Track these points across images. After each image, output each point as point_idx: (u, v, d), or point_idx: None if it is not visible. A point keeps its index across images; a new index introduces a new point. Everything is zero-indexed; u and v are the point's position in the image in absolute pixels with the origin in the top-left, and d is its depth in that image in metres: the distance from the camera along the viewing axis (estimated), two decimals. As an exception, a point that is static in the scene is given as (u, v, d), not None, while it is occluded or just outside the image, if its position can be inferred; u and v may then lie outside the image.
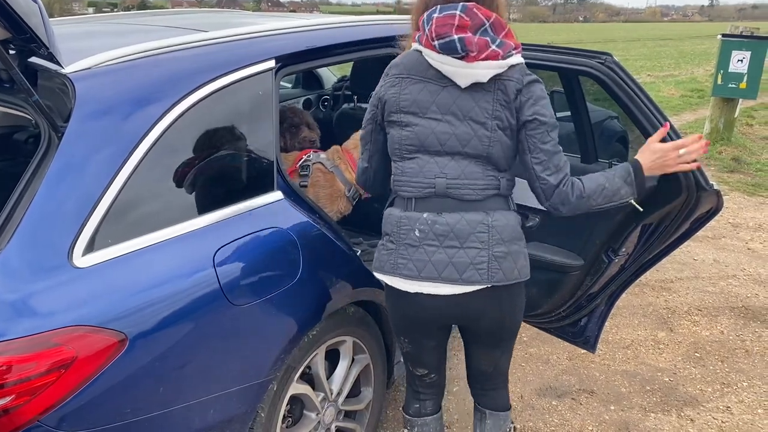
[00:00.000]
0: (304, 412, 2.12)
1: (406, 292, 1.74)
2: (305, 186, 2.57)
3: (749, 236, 5.00)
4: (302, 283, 1.88)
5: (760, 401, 2.92)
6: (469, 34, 1.57)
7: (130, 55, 1.72)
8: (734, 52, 7.12)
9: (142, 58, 1.74)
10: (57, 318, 1.40)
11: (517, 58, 1.63)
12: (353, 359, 2.27)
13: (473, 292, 1.69)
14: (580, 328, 2.55)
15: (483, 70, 1.60)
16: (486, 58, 1.58)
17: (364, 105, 3.18)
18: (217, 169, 1.83)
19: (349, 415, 2.36)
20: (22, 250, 1.42)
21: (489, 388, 2.01)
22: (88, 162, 1.54)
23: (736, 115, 7.74)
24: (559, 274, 2.40)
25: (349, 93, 3.33)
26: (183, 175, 1.72)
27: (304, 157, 2.64)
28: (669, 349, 3.36)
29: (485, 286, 1.68)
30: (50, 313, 1.40)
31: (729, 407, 2.87)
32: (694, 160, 1.80)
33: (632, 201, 1.78)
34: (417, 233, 1.69)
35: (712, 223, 5.17)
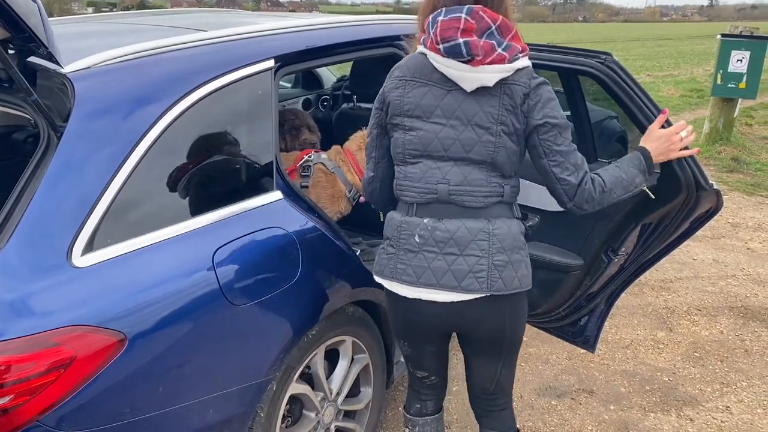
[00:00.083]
0: (304, 411, 2.12)
1: (405, 297, 1.72)
2: (306, 186, 2.56)
3: (748, 236, 5.01)
4: (301, 283, 1.88)
5: (760, 401, 2.92)
6: (475, 38, 1.55)
7: (129, 54, 1.72)
8: (734, 52, 7.12)
9: (141, 57, 1.73)
10: (56, 318, 1.39)
11: (524, 62, 1.60)
12: (353, 359, 2.27)
13: (472, 300, 1.67)
14: (580, 327, 2.55)
15: (489, 74, 1.57)
16: (492, 62, 1.55)
17: (363, 105, 3.19)
18: (216, 169, 1.83)
19: (348, 414, 2.36)
20: (21, 250, 1.42)
21: (492, 409, 1.94)
22: (88, 161, 1.54)
23: (735, 115, 7.74)
24: (559, 274, 2.40)
25: (349, 93, 3.33)
26: (182, 174, 1.72)
27: (305, 157, 2.64)
28: (668, 348, 3.36)
29: (484, 295, 1.65)
30: (49, 313, 1.40)
31: (728, 407, 2.87)
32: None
33: (645, 188, 1.79)
34: (417, 239, 1.67)
35: (711, 222, 5.18)
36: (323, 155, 2.66)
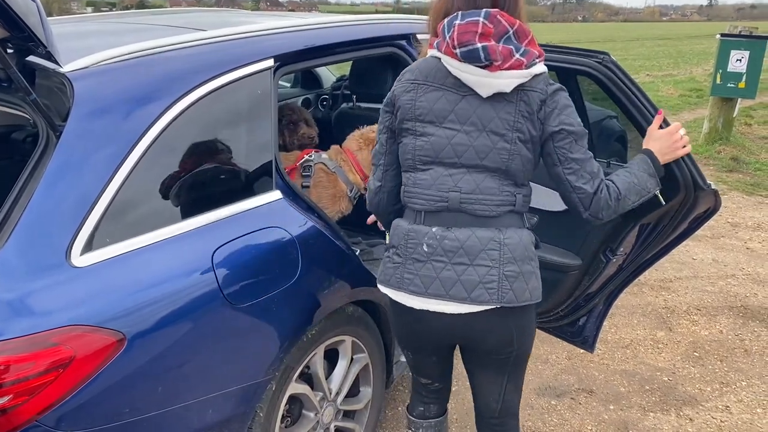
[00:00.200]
0: (303, 411, 2.12)
1: (412, 308, 1.67)
2: (307, 186, 2.57)
3: (748, 236, 5.01)
4: (301, 283, 1.88)
5: (759, 400, 2.92)
6: (493, 43, 1.51)
7: (128, 54, 1.71)
8: (733, 52, 7.12)
9: (140, 57, 1.73)
10: (55, 317, 1.39)
11: (541, 67, 1.56)
12: (352, 359, 2.27)
13: (481, 312, 1.61)
14: (579, 327, 2.55)
15: (506, 80, 1.53)
16: (510, 68, 1.51)
17: (363, 104, 3.18)
18: (215, 169, 1.82)
19: (348, 414, 2.35)
20: (20, 250, 1.42)
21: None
22: (87, 161, 1.54)
23: (734, 115, 7.74)
24: (557, 274, 2.39)
25: (348, 92, 3.33)
26: (182, 174, 1.72)
27: (306, 156, 2.64)
28: (668, 348, 3.36)
29: (494, 307, 1.60)
30: (48, 313, 1.40)
31: (728, 406, 2.87)
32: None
33: (658, 193, 1.78)
34: (425, 248, 1.62)
35: (711, 222, 5.17)
36: (323, 155, 2.67)
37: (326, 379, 2.16)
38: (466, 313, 1.62)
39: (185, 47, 1.83)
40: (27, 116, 1.62)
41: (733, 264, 4.45)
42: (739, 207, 5.69)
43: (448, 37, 1.54)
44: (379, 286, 1.75)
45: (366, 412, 2.38)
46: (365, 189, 2.73)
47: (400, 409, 2.80)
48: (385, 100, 1.71)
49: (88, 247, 1.49)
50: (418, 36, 2.59)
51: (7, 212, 1.46)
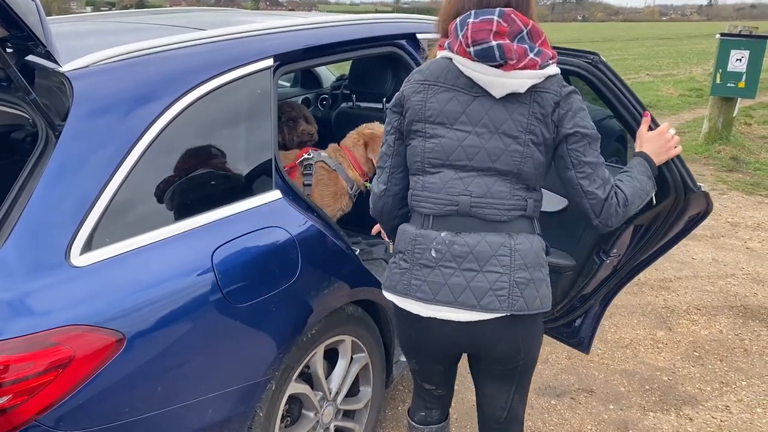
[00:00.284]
0: (303, 411, 2.12)
1: (419, 315, 1.63)
2: (309, 185, 2.58)
3: (748, 235, 5.01)
4: (300, 283, 1.88)
5: (759, 400, 2.92)
6: (507, 41, 1.47)
7: (128, 53, 1.71)
8: (733, 52, 7.12)
9: (140, 56, 1.73)
10: (55, 317, 1.39)
11: (554, 68, 1.53)
12: (352, 358, 2.27)
13: (490, 319, 1.57)
14: (575, 329, 2.55)
15: (520, 80, 1.49)
16: (524, 67, 1.48)
17: (362, 104, 3.18)
18: (215, 168, 1.82)
19: (348, 414, 2.35)
20: (20, 249, 1.42)
21: None
22: (86, 160, 1.54)
23: (734, 115, 7.75)
24: (552, 275, 2.39)
25: (348, 92, 3.33)
26: (181, 173, 1.72)
27: (305, 155, 2.65)
28: (668, 348, 3.36)
29: (504, 315, 1.56)
30: (48, 312, 1.39)
31: (728, 406, 2.87)
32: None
33: (653, 195, 1.77)
34: (433, 253, 1.58)
35: (710, 222, 5.17)
36: (323, 153, 2.68)
37: (326, 378, 2.15)
38: (474, 321, 1.57)
39: (185, 47, 1.83)
40: (26, 116, 1.61)
41: (733, 263, 4.45)
42: (739, 207, 5.69)
43: (461, 36, 1.50)
44: (384, 292, 1.70)
45: (366, 411, 2.38)
46: (364, 186, 2.75)
47: (399, 408, 2.80)
48: (392, 101, 1.66)
49: (88, 246, 1.49)
50: (425, 37, 2.59)
51: (6, 212, 1.45)
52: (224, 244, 1.72)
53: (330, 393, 2.17)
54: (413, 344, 1.76)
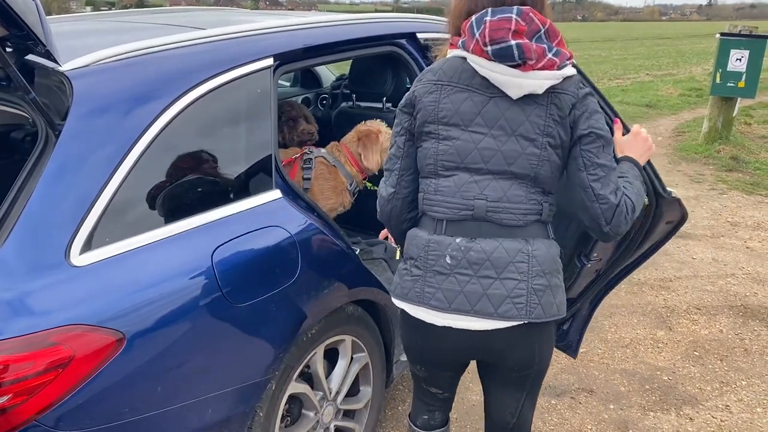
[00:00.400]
0: (303, 411, 2.12)
1: (433, 324, 1.57)
2: (309, 178, 2.59)
3: (748, 235, 5.01)
4: (300, 282, 1.88)
5: (759, 400, 2.92)
6: (527, 41, 1.43)
7: (127, 52, 1.71)
8: (733, 51, 7.13)
9: (139, 55, 1.73)
10: (54, 317, 1.39)
11: (571, 69, 1.49)
12: (352, 358, 2.26)
13: (507, 327, 1.53)
14: (563, 332, 2.54)
15: (539, 81, 1.44)
16: (542, 68, 1.43)
17: (362, 103, 3.18)
18: (215, 168, 1.82)
19: (348, 414, 2.35)
20: (19, 249, 1.42)
21: None
22: (86, 160, 1.53)
23: (734, 114, 7.75)
24: None
25: (348, 92, 3.33)
26: (181, 173, 1.72)
27: (306, 150, 2.68)
28: (668, 348, 3.36)
29: (521, 323, 1.52)
30: (48, 312, 1.39)
31: (728, 406, 2.87)
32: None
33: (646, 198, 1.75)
34: (448, 260, 1.52)
35: (710, 222, 5.18)
36: (323, 150, 2.71)
37: (326, 378, 2.15)
38: (491, 330, 1.54)
39: (185, 46, 1.83)
40: (26, 115, 1.61)
41: (733, 263, 4.45)
42: (739, 206, 5.69)
43: (477, 34, 1.45)
44: (395, 300, 1.65)
45: (366, 411, 2.38)
46: (363, 184, 2.76)
47: (400, 408, 2.80)
48: (403, 101, 1.61)
49: (88, 246, 1.49)
50: (425, 36, 2.58)
51: (6, 211, 1.45)
52: (224, 243, 1.72)
53: (330, 393, 2.17)
54: (425, 353, 1.69)
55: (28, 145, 2.44)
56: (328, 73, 4.22)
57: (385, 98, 3.03)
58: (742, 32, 7.23)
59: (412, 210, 1.66)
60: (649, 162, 1.83)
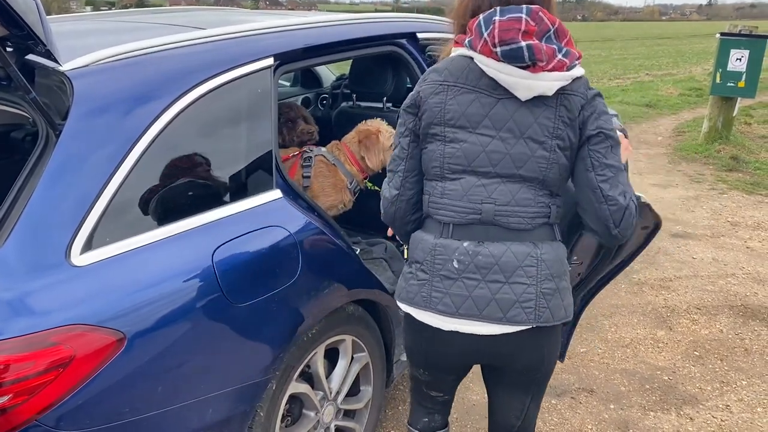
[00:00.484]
0: (304, 411, 2.12)
1: (439, 329, 1.56)
2: (308, 176, 2.59)
3: (748, 235, 5.01)
4: (301, 282, 1.88)
5: (759, 400, 2.92)
6: (537, 42, 1.40)
7: (128, 52, 1.71)
8: (733, 51, 7.13)
9: (140, 55, 1.73)
10: (55, 317, 1.39)
11: (580, 69, 1.46)
12: (352, 358, 2.26)
13: (515, 331, 1.52)
14: None
15: (549, 82, 1.41)
16: (552, 69, 1.40)
17: (363, 103, 3.18)
18: (215, 168, 1.82)
19: (348, 414, 2.35)
20: (20, 249, 1.42)
21: None
22: (86, 160, 1.53)
23: (734, 114, 7.75)
24: None
25: (348, 91, 3.33)
26: (181, 173, 1.72)
27: (306, 149, 2.68)
28: (668, 347, 3.36)
29: (529, 327, 1.51)
30: (48, 312, 1.39)
31: (728, 406, 2.87)
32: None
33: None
34: (456, 264, 1.50)
35: (711, 221, 5.17)
36: (323, 149, 2.71)
37: (327, 378, 2.15)
38: (499, 334, 1.52)
39: (185, 46, 1.83)
40: (26, 115, 1.61)
41: (733, 263, 4.45)
42: (739, 206, 5.69)
43: (486, 34, 1.41)
44: (400, 304, 1.63)
45: (366, 411, 2.38)
46: (363, 183, 2.76)
47: (400, 408, 2.80)
48: (407, 101, 1.57)
49: (88, 246, 1.49)
50: (425, 36, 2.58)
51: (6, 211, 1.45)
52: (224, 243, 1.72)
53: (330, 392, 2.17)
54: (430, 357, 1.67)
55: (29, 145, 2.44)
56: (329, 73, 4.22)
57: (385, 98, 3.04)
58: (742, 32, 7.23)
59: (416, 211, 1.63)
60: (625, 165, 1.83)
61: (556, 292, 1.51)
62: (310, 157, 2.66)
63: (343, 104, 3.34)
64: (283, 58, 2.01)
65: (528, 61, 1.39)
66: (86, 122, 1.56)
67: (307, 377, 2.10)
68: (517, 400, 1.71)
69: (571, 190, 1.58)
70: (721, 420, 2.77)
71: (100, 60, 1.66)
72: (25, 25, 1.40)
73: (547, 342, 1.59)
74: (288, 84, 4.24)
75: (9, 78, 1.54)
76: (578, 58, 1.45)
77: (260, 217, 1.84)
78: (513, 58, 1.40)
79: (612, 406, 2.85)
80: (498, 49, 1.40)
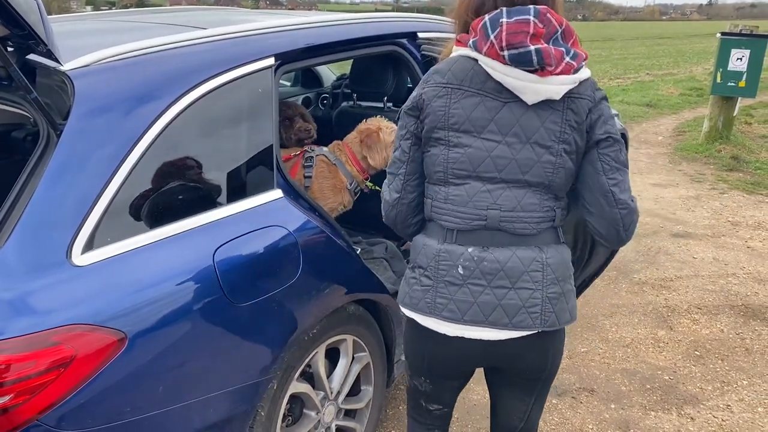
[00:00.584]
0: (304, 410, 2.12)
1: (445, 335, 1.54)
2: (309, 177, 2.59)
3: (749, 234, 5.00)
4: (302, 282, 1.88)
5: (760, 399, 2.91)
6: (546, 45, 1.37)
7: (129, 52, 1.71)
8: (733, 51, 7.13)
9: (141, 55, 1.72)
10: (56, 316, 1.39)
11: (587, 71, 1.43)
12: (353, 358, 2.26)
13: (520, 336, 1.51)
14: None
15: (557, 86, 1.39)
16: (561, 73, 1.38)
17: (363, 103, 3.18)
18: (216, 167, 1.82)
19: (349, 413, 2.35)
20: (21, 248, 1.42)
21: None
22: (88, 159, 1.53)
23: (735, 114, 7.75)
24: None
25: (349, 91, 3.33)
26: (182, 172, 1.72)
27: (307, 149, 2.68)
28: (669, 347, 3.36)
29: (535, 331, 1.50)
30: (49, 312, 1.39)
31: (729, 405, 2.87)
32: None
33: None
34: (461, 270, 1.48)
35: (711, 221, 5.16)
36: (324, 149, 2.71)
37: (327, 378, 2.15)
38: (504, 339, 1.52)
39: (186, 46, 1.83)
40: (27, 115, 1.61)
41: (734, 263, 4.45)
42: (740, 206, 5.69)
43: (493, 37, 1.38)
44: (403, 309, 1.61)
45: (367, 411, 2.38)
46: (365, 184, 2.76)
47: (401, 408, 2.80)
48: (409, 103, 1.53)
49: (89, 245, 1.49)
50: (426, 36, 2.58)
51: (7, 211, 1.45)
52: (225, 243, 1.72)
53: (331, 392, 2.17)
54: (433, 362, 1.64)
55: (30, 145, 2.44)
56: (329, 72, 4.22)
57: (386, 98, 3.03)
58: (742, 32, 7.22)
59: (417, 214, 1.61)
60: None
61: (561, 296, 1.50)
62: (312, 157, 2.66)
63: (344, 104, 3.34)
64: (283, 58, 2.00)
65: (536, 66, 1.37)
66: (87, 122, 1.56)
67: (308, 377, 2.10)
68: (521, 401, 1.70)
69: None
70: (722, 420, 2.77)
71: (102, 60, 1.65)
72: (26, 25, 1.40)
73: (552, 345, 1.58)
74: (289, 84, 4.24)
75: (10, 78, 1.54)
76: (584, 59, 1.43)
77: (261, 217, 1.84)
78: (521, 62, 1.37)
79: (613, 406, 2.85)
80: (506, 53, 1.37)
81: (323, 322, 2.01)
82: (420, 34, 2.59)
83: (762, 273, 4.29)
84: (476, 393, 2.89)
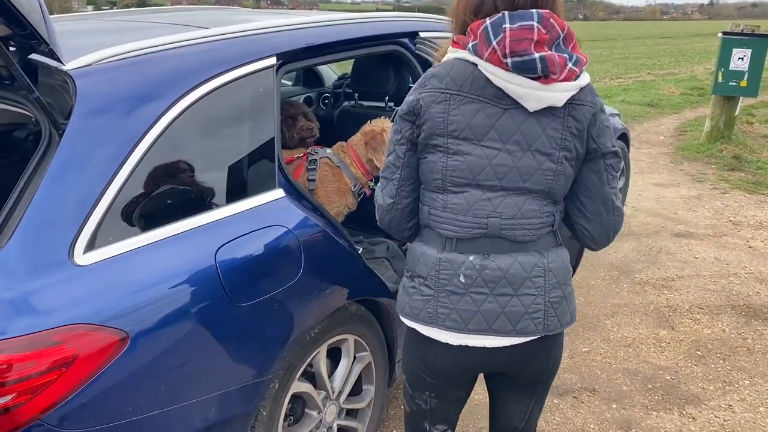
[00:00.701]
0: (306, 410, 2.12)
1: (448, 344, 1.52)
2: (313, 179, 2.58)
3: (750, 234, 5.00)
4: (303, 282, 1.88)
5: (762, 399, 2.91)
6: (550, 53, 1.34)
7: (130, 51, 1.71)
8: (735, 50, 7.12)
9: (142, 55, 1.72)
10: (58, 316, 1.39)
11: (587, 77, 1.41)
12: (355, 357, 2.26)
13: (522, 342, 1.51)
14: None
15: (560, 93, 1.37)
16: (564, 80, 1.35)
17: (365, 103, 3.18)
18: (218, 167, 1.82)
19: (350, 413, 2.35)
20: (23, 248, 1.42)
21: None
22: (89, 159, 1.53)
23: (736, 114, 7.75)
24: None
25: (350, 91, 3.33)
26: (184, 172, 1.72)
27: (311, 151, 2.67)
28: (670, 347, 3.35)
29: (538, 336, 1.50)
30: (51, 311, 1.39)
31: (731, 405, 2.87)
32: None
33: None
34: (462, 279, 1.46)
35: (713, 221, 5.15)
36: (328, 150, 2.69)
37: (329, 377, 2.15)
38: (508, 345, 1.51)
39: (187, 45, 1.83)
40: (29, 114, 1.61)
41: (736, 263, 4.44)
42: (741, 206, 5.68)
43: (495, 43, 1.34)
44: (404, 320, 1.59)
45: (369, 410, 2.38)
46: (368, 186, 2.76)
47: (402, 407, 2.79)
48: (405, 107, 1.48)
49: (91, 245, 1.49)
50: (426, 35, 2.58)
51: (9, 210, 1.45)
52: (227, 243, 1.72)
53: (333, 392, 2.17)
54: (434, 374, 1.60)
55: (32, 144, 2.44)
56: (330, 72, 4.22)
57: (387, 97, 3.03)
58: (744, 31, 7.22)
59: (412, 219, 1.58)
60: None
61: (562, 299, 1.50)
62: (316, 159, 2.64)
63: (345, 103, 3.34)
64: (285, 58, 2.00)
65: (540, 73, 1.34)
66: (89, 121, 1.56)
67: (310, 377, 2.10)
68: (521, 403, 1.69)
69: None
70: (724, 420, 2.77)
71: (103, 59, 1.65)
72: (28, 25, 1.40)
73: (554, 348, 1.59)
74: (290, 83, 4.24)
75: (12, 77, 1.54)
76: (585, 64, 1.41)
77: (263, 217, 1.84)
78: (525, 69, 1.34)
79: (614, 406, 2.85)
80: (509, 60, 1.34)
81: (325, 322, 2.01)
82: (421, 34, 2.59)
83: (764, 273, 4.28)
84: (477, 393, 2.88)
